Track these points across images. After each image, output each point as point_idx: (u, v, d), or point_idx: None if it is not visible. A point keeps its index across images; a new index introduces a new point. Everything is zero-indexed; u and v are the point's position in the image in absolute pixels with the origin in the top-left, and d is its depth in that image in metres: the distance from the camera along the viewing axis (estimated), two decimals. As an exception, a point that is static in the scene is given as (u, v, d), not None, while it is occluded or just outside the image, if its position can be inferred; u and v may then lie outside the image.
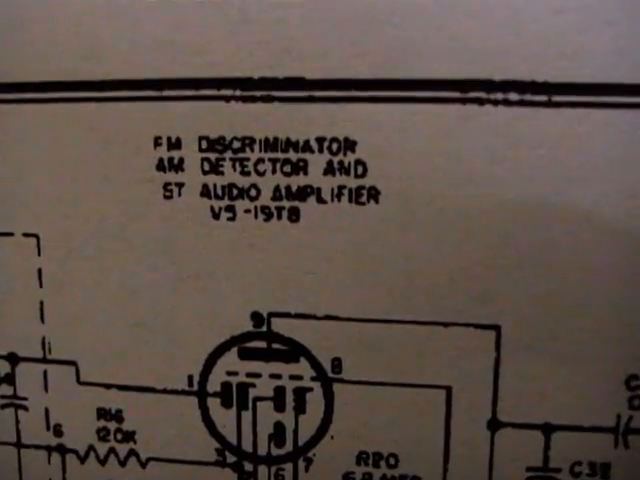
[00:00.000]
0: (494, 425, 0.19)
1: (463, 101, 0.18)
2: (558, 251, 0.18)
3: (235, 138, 0.19)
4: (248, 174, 0.19)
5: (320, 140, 0.19)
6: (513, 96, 0.18)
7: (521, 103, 0.18)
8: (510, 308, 0.19)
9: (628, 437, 0.19)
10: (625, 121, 0.17)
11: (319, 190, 0.19)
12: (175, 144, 0.19)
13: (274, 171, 0.19)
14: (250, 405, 0.20)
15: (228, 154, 0.19)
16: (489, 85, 0.18)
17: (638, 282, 0.18)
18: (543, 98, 0.18)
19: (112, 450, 0.21)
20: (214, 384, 0.20)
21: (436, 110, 0.18)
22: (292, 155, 0.19)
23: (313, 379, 0.20)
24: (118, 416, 0.21)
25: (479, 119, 0.18)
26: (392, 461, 0.20)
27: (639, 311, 0.18)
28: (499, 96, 0.18)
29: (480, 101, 0.18)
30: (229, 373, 0.20)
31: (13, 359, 0.21)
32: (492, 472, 0.19)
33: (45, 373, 0.21)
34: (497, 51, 0.17)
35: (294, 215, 0.19)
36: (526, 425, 0.19)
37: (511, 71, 0.18)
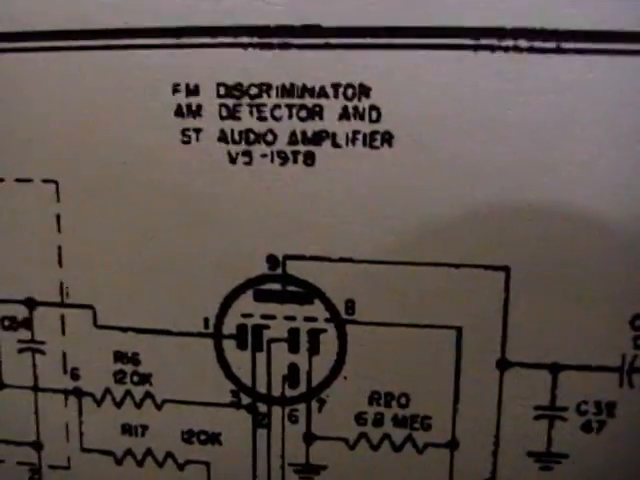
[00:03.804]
0: (503, 365, 0.20)
1: (475, 48, 0.18)
2: (567, 193, 0.19)
3: (252, 84, 0.19)
4: (265, 119, 0.19)
5: (335, 86, 0.19)
6: (523, 43, 0.18)
7: (531, 50, 0.18)
8: (519, 250, 0.19)
9: (633, 376, 0.19)
10: (632, 68, 0.18)
11: (334, 135, 0.19)
12: (193, 90, 0.20)
13: (290, 116, 0.19)
14: (265, 347, 0.21)
15: (245, 100, 0.19)
16: (500, 32, 0.18)
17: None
18: (552, 45, 0.18)
19: (128, 392, 0.22)
20: (229, 326, 0.21)
21: (449, 57, 0.19)
22: (308, 101, 0.19)
23: (327, 320, 0.20)
24: (134, 359, 0.21)
25: (491, 65, 0.18)
26: (403, 401, 0.20)
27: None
28: (510, 43, 0.18)
29: (492, 48, 0.18)
30: (244, 315, 0.21)
31: (31, 304, 0.21)
32: (501, 411, 0.20)
33: (63, 317, 0.21)
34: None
35: (309, 159, 0.19)
36: (534, 365, 0.20)
37: (522, 19, 0.18)
